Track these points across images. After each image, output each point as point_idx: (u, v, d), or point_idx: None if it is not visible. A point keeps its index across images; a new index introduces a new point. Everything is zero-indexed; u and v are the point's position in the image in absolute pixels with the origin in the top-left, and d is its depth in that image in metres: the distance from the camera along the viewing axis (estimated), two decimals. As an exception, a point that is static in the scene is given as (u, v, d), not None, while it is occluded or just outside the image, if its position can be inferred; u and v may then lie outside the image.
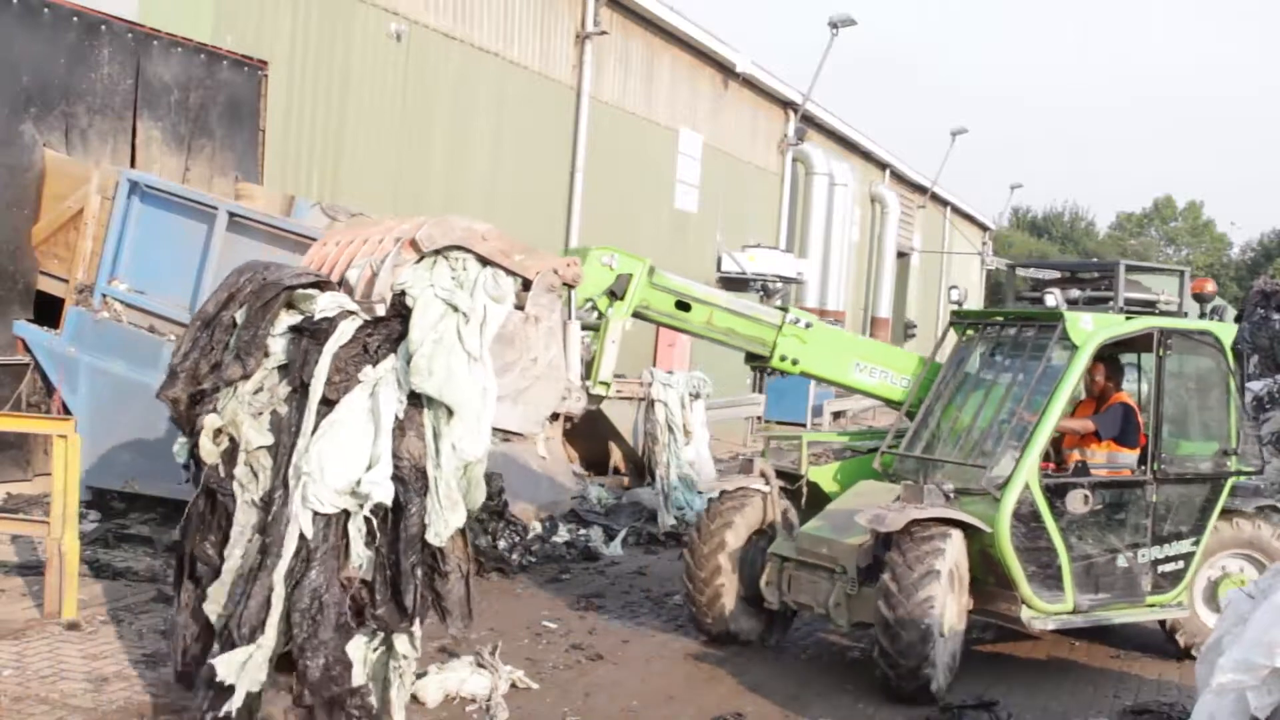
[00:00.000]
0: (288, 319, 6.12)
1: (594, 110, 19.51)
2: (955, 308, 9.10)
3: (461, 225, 6.42)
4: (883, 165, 36.64)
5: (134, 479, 9.96)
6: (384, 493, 5.67)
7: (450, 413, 5.82)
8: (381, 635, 5.79)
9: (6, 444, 10.54)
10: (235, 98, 12.80)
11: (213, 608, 5.79)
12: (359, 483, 5.66)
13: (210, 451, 5.98)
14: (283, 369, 6.02)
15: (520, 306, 6.37)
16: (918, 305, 42.30)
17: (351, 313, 6.09)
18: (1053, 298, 8.35)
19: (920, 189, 41.49)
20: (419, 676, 6.94)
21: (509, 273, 6.34)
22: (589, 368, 8.06)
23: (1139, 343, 8.46)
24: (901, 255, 38.37)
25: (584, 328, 7.94)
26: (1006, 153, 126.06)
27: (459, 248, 6.27)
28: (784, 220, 28.23)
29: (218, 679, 5.45)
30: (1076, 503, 7.89)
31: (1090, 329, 8.06)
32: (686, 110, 23.26)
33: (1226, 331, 8.52)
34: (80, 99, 11.22)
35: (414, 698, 6.73)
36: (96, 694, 6.53)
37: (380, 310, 6.14)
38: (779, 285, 25.35)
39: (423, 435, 5.87)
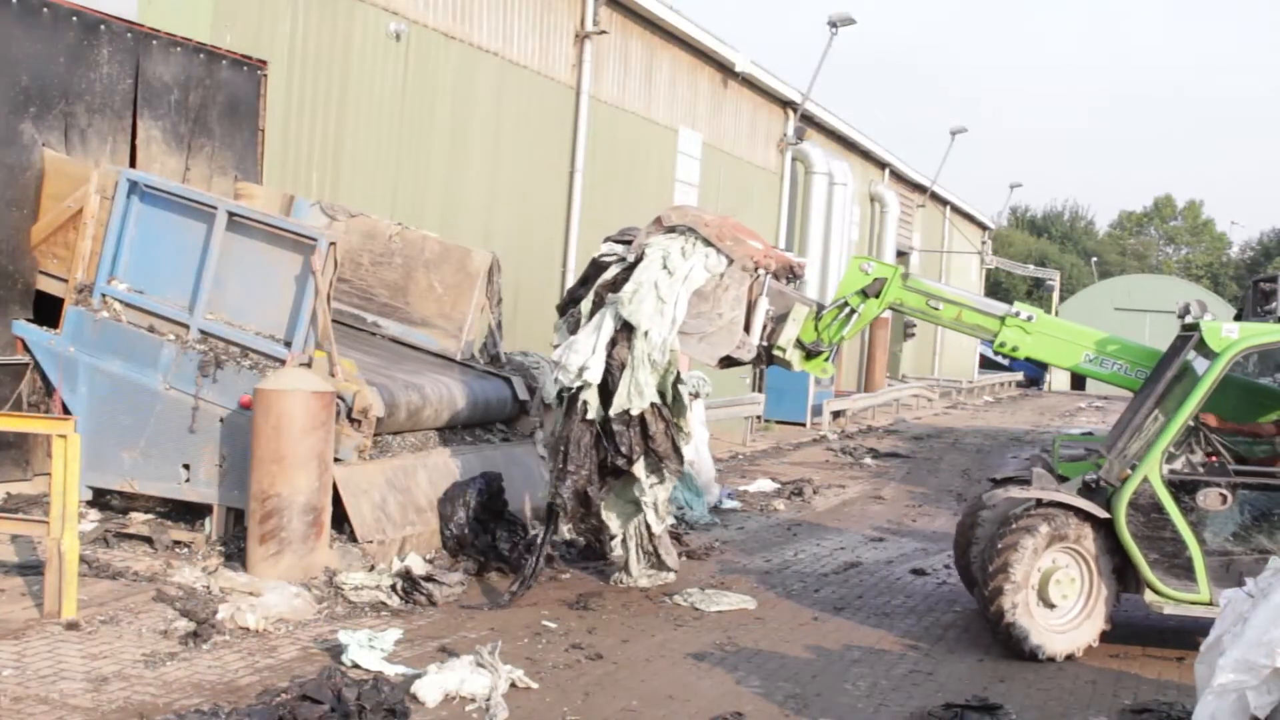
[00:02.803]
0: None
1: (593, 109, 19.50)
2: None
3: (693, 212, 9.60)
4: (882, 164, 36.63)
5: (134, 479, 9.96)
6: (594, 375, 9.02)
7: (646, 334, 8.93)
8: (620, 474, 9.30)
9: (6, 444, 10.53)
10: (235, 97, 12.79)
11: None
12: (584, 368, 9.01)
13: None
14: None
15: (721, 276, 9.19)
16: (917, 305, 42.24)
17: (621, 258, 9.40)
18: (1195, 309, 8.85)
19: (920, 188, 41.49)
20: (418, 676, 6.96)
21: (719, 251, 9.19)
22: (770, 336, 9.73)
23: None
24: (901, 254, 38.36)
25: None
26: (1006, 152, 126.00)
27: (690, 229, 9.26)
28: (783, 219, 28.22)
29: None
30: (1211, 500, 8.30)
31: (1234, 337, 8.39)
32: (686, 109, 23.25)
33: None
34: (79, 98, 11.20)
35: (413, 697, 6.74)
36: (96, 694, 6.53)
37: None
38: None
39: (629, 346, 8.99)
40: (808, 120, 29.18)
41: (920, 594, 10.61)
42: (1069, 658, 8.49)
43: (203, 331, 9.95)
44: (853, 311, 9.64)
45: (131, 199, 10.26)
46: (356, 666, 7.20)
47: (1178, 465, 8.50)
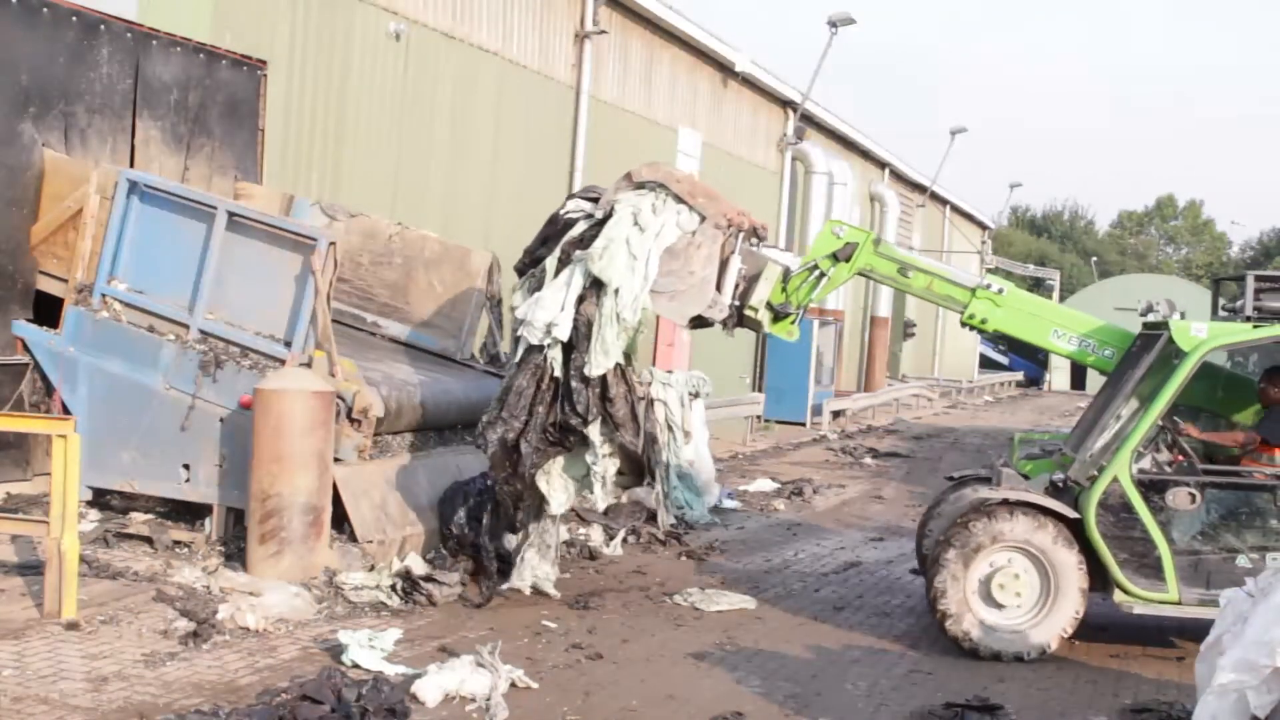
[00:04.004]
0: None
1: (593, 109, 19.50)
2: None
3: (664, 169, 9.37)
4: (882, 164, 36.62)
5: (134, 479, 9.96)
6: (563, 332, 8.67)
7: (617, 292, 8.62)
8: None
9: (6, 444, 10.53)
10: (234, 97, 12.78)
11: None
12: (552, 324, 8.66)
13: None
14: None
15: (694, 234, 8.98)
16: (917, 305, 42.26)
17: (589, 215, 9.11)
18: (1164, 308, 8.83)
19: (920, 188, 41.47)
20: (418, 676, 6.96)
21: (691, 209, 8.99)
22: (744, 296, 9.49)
23: None
24: (901, 254, 38.30)
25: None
26: (1006, 152, 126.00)
27: (661, 185, 9.04)
28: (783, 219, 28.21)
29: None
30: (1180, 499, 8.28)
31: (1202, 337, 8.34)
32: (686, 109, 23.25)
33: None
34: (79, 98, 11.20)
35: (413, 697, 6.74)
36: (96, 694, 6.53)
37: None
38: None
39: (597, 304, 8.67)
40: (807, 120, 29.17)
41: (920, 594, 10.58)
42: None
43: (203, 331, 9.94)
44: (822, 275, 9.48)
45: (131, 199, 10.25)
46: (356, 666, 7.20)
47: (1146, 465, 8.49)
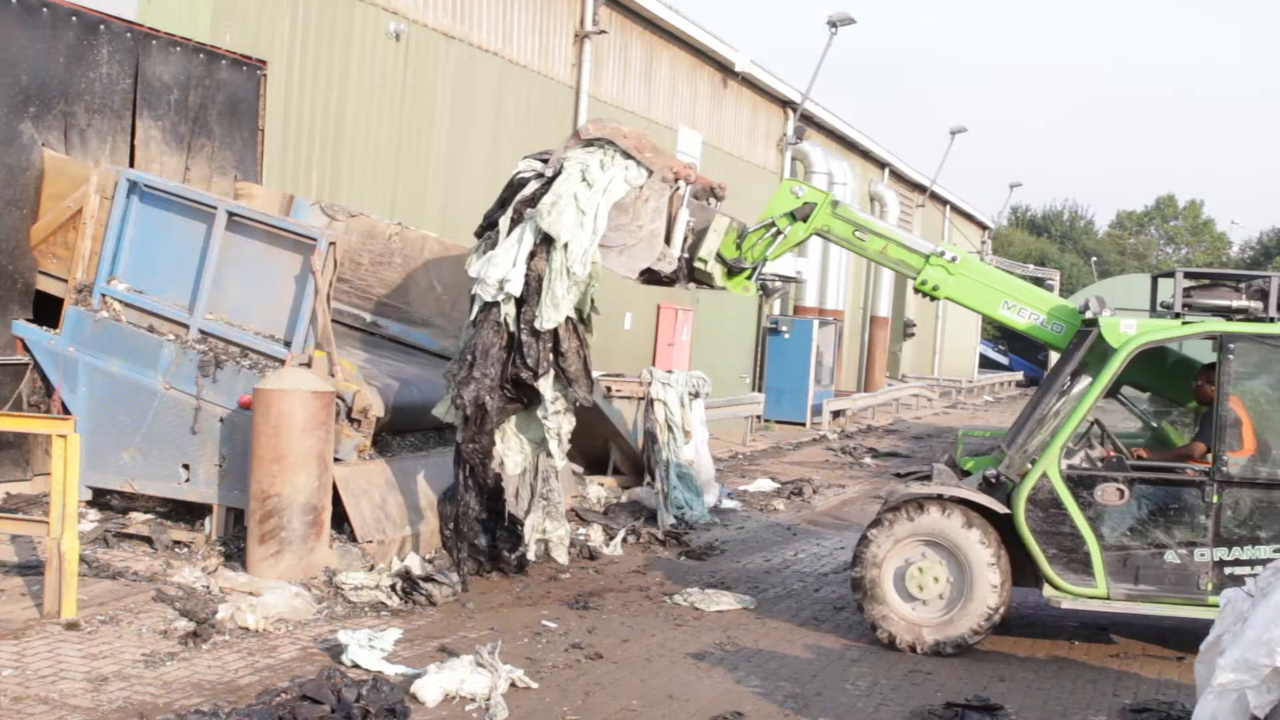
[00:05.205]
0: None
1: (593, 109, 19.48)
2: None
3: (611, 125, 9.57)
4: (882, 164, 36.61)
5: (133, 479, 9.96)
6: (515, 287, 8.88)
7: (566, 247, 8.78)
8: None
9: (6, 444, 10.53)
10: (234, 97, 12.79)
11: None
12: (505, 280, 8.86)
13: None
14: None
15: (641, 188, 9.15)
16: (917, 305, 42.27)
17: (540, 174, 9.27)
18: (1094, 304, 8.84)
19: (919, 188, 41.47)
20: (418, 676, 6.96)
21: (639, 164, 9.18)
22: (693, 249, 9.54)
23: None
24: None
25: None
26: (1006, 152, 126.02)
27: (609, 141, 9.25)
28: (783, 219, 28.17)
29: None
30: (1109, 495, 8.35)
31: (1131, 333, 8.40)
32: (686, 109, 23.25)
33: None
34: (79, 98, 11.20)
35: (413, 697, 6.74)
36: (96, 694, 6.53)
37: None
38: (778, 284, 25.33)
39: (547, 259, 8.84)
40: (807, 120, 29.17)
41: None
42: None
43: (202, 331, 9.95)
44: (779, 233, 9.47)
45: (131, 199, 10.26)
46: (356, 666, 7.20)
47: (1080, 460, 8.56)
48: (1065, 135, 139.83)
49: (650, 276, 9.50)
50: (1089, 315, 8.90)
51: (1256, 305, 8.58)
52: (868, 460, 20.73)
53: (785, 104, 27.87)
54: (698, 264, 9.49)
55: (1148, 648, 9.03)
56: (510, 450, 9.46)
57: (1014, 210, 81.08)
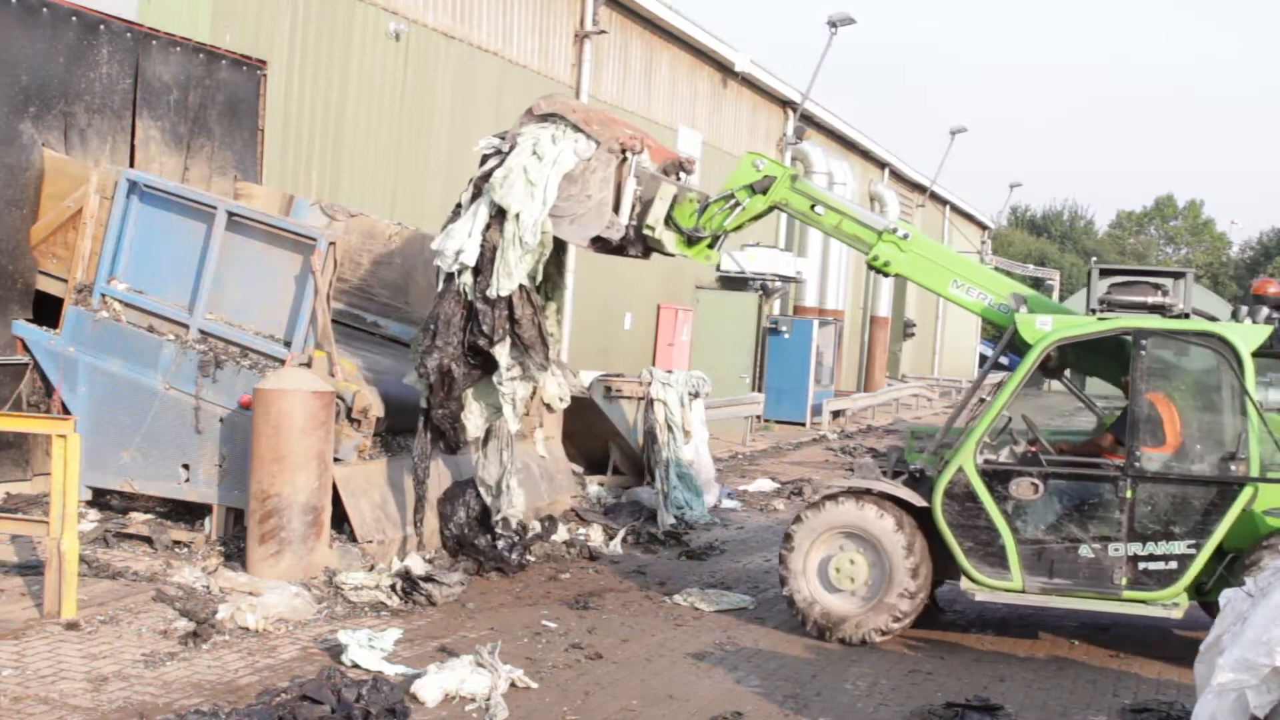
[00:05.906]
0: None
1: (593, 109, 19.49)
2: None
3: (562, 100, 9.90)
4: (882, 164, 36.64)
5: (133, 479, 9.96)
6: (470, 257, 9.19)
7: (518, 217, 9.08)
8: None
9: (6, 444, 10.53)
10: (234, 97, 12.79)
11: None
12: (460, 251, 9.18)
13: None
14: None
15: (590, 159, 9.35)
16: (916, 305, 42.29)
17: (498, 150, 9.50)
18: (1011, 302, 8.91)
19: (919, 188, 41.50)
20: (418, 676, 6.96)
21: (588, 136, 9.39)
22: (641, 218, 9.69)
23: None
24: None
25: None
26: (1006, 151, 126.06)
27: (560, 116, 9.48)
28: (783, 219, 28.21)
29: None
30: (1024, 490, 8.45)
31: (1046, 329, 8.50)
32: (686, 109, 23.26)
33: (1247, 334, 8.41)
34: (79, 98, 11.20)
35: (413, 697, 6.74)
36: (96, 694, 6.53)
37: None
38: (778, 284, 25.33)
39: (501, 230, 9.15)
40: (807, 120, 29.18)
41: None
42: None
43: (202, 331, 9.94)
44: (738, 204, 9.58)
45: (131, 199, 10.25)
46: (356, 666, 7.20)
47: (1004, 455, 8.67)
48: (1065, 135, 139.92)
49: (602, 245, 9.68)
50: (1005, 313, 8.98)
51: (1173, 301, 8.64)
52: (868, 460, 20.71)
53: (785, 104, 27.88)
54: (646, 231, 9.66)
55: (1148, 648, 9.03)
56: (471, 415, 9.73)
57: (1014, 210, 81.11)
